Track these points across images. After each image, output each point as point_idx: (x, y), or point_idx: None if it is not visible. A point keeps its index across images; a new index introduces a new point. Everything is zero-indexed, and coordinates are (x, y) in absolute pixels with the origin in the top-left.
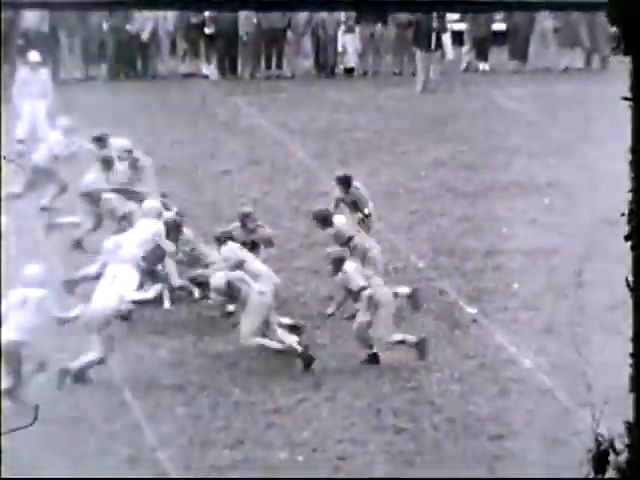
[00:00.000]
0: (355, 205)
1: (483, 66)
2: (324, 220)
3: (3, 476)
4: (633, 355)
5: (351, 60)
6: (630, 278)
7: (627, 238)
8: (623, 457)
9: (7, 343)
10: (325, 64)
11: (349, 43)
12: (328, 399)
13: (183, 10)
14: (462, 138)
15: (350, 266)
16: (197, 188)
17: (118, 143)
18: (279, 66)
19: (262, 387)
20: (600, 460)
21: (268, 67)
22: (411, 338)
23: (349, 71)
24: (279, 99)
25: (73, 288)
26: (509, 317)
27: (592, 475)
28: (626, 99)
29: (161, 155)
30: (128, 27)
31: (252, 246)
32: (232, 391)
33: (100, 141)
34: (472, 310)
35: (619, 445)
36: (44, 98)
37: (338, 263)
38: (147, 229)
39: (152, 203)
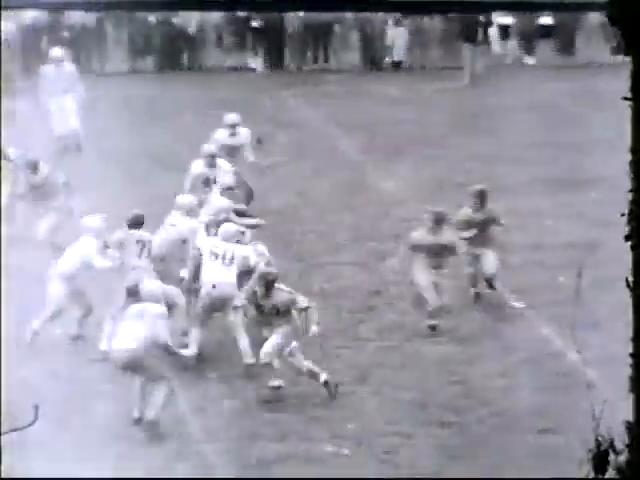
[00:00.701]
0: (486, 224)
1: (529, 60)
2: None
3: (3, 476)
4: (633, 355)
5: (399, 53)
6: (630, 278)
7: (627, 238)
8: (623, 457)
9: (129, 351)
10: (372, 57)
11: (398, 36)
12: (374, 393)
13: (229, 11)
14: (507, 132)
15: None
16: None
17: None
18: (326, 59)
19: (308, 380)
20: (600, 460)
21: (315, 60)
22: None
23: (396, 64)
24: (326, 92)
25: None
26: (555, 311)
27: (592, 475)
28: (626, 99)
29: None
30: (174, 20)
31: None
32: None
33: (34, 167)
34: (518, 304)
35: (619, 445)
36: (71, 93)
37: (272, 284)
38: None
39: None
